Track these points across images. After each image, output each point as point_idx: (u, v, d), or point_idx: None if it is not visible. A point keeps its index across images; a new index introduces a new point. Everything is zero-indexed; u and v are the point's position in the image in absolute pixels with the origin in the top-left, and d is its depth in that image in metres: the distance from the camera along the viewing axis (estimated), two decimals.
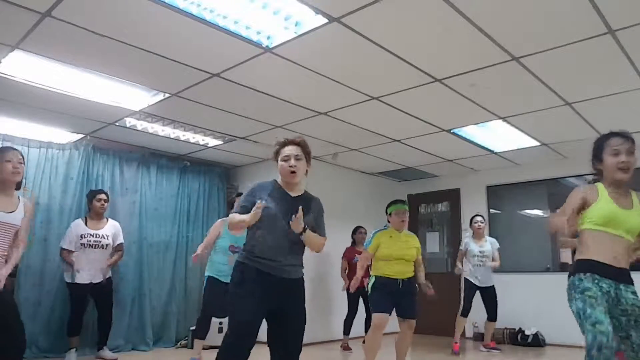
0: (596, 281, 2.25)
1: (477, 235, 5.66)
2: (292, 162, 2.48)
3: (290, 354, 2.45)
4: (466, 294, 5.50)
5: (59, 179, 5.16)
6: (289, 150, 2.51)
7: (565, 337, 5.59)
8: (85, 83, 3.87)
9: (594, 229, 2.33)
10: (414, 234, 4.27)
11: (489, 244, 5.66)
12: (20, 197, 3.05)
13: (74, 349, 4.63)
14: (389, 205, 4.24)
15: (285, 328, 2.44)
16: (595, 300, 2.20)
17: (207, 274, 4.38)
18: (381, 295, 3.91)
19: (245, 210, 2.42)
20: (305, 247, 2.53)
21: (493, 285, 5.59)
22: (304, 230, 2.37)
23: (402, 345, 4.02)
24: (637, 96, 4.07)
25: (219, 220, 4.60)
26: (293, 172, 2.48)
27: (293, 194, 2.52)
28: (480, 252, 5.56)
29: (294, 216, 2.35)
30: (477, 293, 5.55)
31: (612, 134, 2.42)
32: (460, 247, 5.71)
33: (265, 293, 2.35)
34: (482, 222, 5.69)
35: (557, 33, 3.07)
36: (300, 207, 2.36)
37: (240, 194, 4.60)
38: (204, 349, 4.48)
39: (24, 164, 3.07)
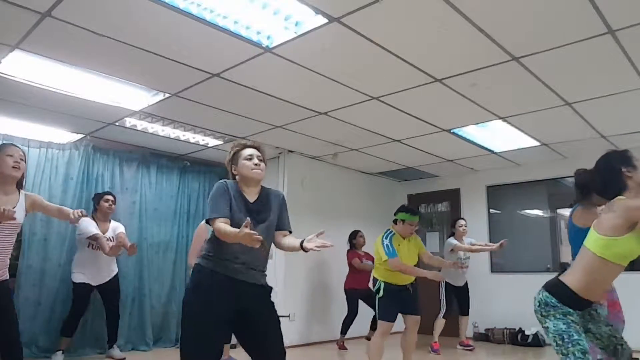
0: (573, 316, 2.20)
1: (460, 238, 5.83)
2: (256, 160, 2.40)
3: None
4: (448, 297, 5.66)
5: (59, 179, 5.16)
6: (249, 151, 2.43)
7: None
8: (85, 83, 3.87)
9: (615, 262, 2.11)
10: (415, 235, 4.20)
11: (468, 244, 5.84)
12: (22, 192, 3.03)
13: (61, 352, 4.59)
14: (401, 211, 4.06)
15: (260, 336, 2.30)
16: (579, 327, 2.17)
17: None
18: (390, 303, 3.89)
19: (224, 207, 2.27)
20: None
21: (466, 282, 5.81)
22: (262, 246, 2.17)
23: (407, 343, 4.03)
24: (637, 96, 4.06)
25: (202, 223, 4.29)
26: (258, 171, 2.39)
27: (251, 198, 2.40)
28: (464, 255, 5.76)
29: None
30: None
31: None
32: (452, 248, 5.70)
33: (227, 299, 2.21)
34: (466, 225, 5.91)
35: (557, 33, 3.07)
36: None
37: None
38: None
39: (25, 162, 3.05)
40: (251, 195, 2.41)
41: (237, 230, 2.09)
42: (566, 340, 2.15)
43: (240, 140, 2.54)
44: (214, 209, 2.28)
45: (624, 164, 2.30)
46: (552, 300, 2.22)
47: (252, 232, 2.03)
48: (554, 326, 2.20)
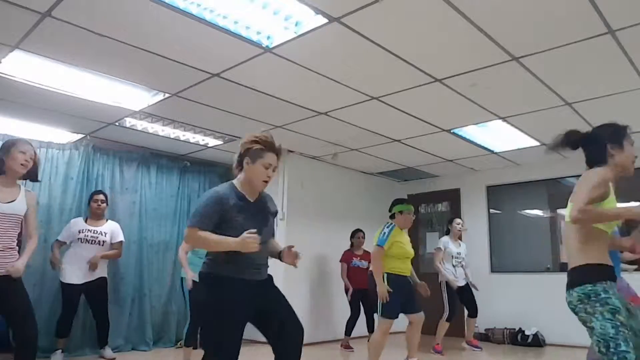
0: (614, 290, 2.06)
1: (455, 237, 5.82)
2: (271, 172, 2.39)
3: (295, 342, 2.42)
4: (451, 299, 5.53)
5: (59, 179, 5.16)
6: (272, 159, 2.39)
7: (565, 337, 5.59)
8: (85, 83, 3.87)
9: (602, 229, 2.16)
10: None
11: (464, 247, 5.85)
12: (22, 187, 3.09)
13: (60, 350, 4.61)
14: (395, 204, 4.22)
15: (278, 322, 2.38)
16: (628, 332, 1.98)
17: (186, 276, 4.19)
18: (396, 298, 3.86)
19: (213, 221, 2.25)
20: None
21: (467, 283, 5.77)
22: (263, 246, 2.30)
23: (414, 337, 4.18)
24: (637, 96, 4.07)
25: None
26: (266, 183, 2.41)
27: (252, 199, 2.42)
28: (458, 253, 5.74)
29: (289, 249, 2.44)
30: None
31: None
32: (439, 247, 5.70)
33: (244, 303, 2.27)
34: (463, 225, 5.91)
35: (557, 33, 3.07)
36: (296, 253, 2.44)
37: None
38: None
39: (36, 161, 3.15)
40: (252, 195, 2.44)
41: (232, 238, 2.19)
42: (612, 349, 1.96)
43: (266, 136, 2.41)
44: (201, 220, 2.24)
45: (611, 140, 2.28)
46: (589, 288, 2.05)
47: (250, 235, 2.15)
48: (601, 328, 2.00)
